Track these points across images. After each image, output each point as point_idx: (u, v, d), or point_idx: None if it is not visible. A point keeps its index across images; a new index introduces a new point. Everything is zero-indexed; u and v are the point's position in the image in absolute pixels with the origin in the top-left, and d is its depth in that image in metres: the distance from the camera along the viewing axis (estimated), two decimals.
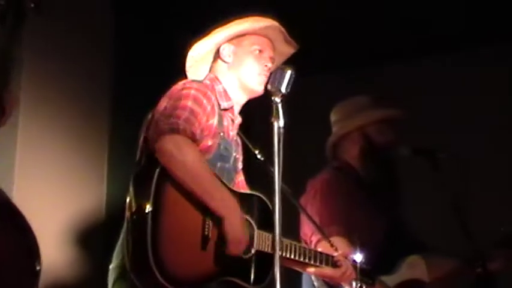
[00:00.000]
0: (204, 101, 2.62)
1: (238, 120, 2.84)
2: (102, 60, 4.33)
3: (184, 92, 2.60)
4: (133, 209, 2.44)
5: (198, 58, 2.83)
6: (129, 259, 2.42)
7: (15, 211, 2.21)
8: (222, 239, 2.50)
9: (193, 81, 2.72)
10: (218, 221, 2.49)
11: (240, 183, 2.87)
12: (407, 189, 3.62)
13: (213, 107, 2.66)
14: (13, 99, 2.29)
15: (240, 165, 2.86)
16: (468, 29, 4.60)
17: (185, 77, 2.83)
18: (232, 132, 2.79)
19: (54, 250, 3.79)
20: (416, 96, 4.69)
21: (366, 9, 4.49)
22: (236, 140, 2.86)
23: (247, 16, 2.82)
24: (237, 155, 2.83)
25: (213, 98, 2.67)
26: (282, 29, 2.81)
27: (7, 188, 3.29)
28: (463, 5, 4.42)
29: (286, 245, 2.68)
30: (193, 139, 2.51)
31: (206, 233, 2.49)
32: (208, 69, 2.84)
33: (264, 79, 2.72)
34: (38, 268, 2.18)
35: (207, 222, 2.49)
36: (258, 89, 2.74)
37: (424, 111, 4.55)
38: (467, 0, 4.39)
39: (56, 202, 3.91)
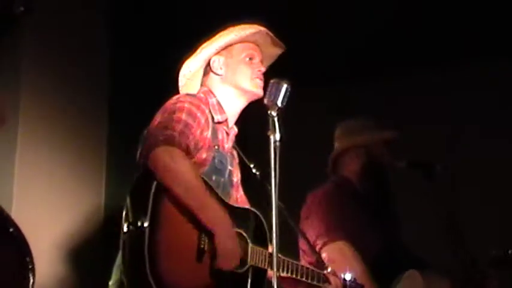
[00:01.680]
0: (198, 114, 2.61)
1: (234, 131, 2.83)
2: (100, 66, 4.33)
3: (179, 105, 2.60)
4: (131, 222, 2.42)
5: (189, 76, 2.84)
6: (127, 274, 2.42)
7: (11, 223, 2.17)
8: (213, 253, 2.47)
9: (187, 95, 2.72)
10: (210, 235, 2.47)
11: (240, 199, 2.86)
12: (404, 205, 3.66)
13: (206, 120, 2.65)
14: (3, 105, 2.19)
15: (235, 179, 2.84)
16: (455, 43, 4.60)
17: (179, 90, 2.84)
18: (228, 144, 2.78)
19: (51, 262, 3.80)
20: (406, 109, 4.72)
21: (354, 23, 4.50)
22: (232, 153, 2.84)
23: (231, 26, 2.83)
24: (232, 168, 2.81)
25: (207, 111, 2.67)
26: (269, 32, 2.82)
27: (6, 197, 3.28)
28: (447, 19, 4.45)
29: (282, 262, 2.66)
30: (187, 152, 2.50)
31: (202, 246, 2.46)
32: (199, 82, 2.84)
33: (259, 82, 2.74)
34: (31, 281, 2.17)
35: (203, 236, 2.46)
36: (257, 91, 2.74)
37: (414, 124, 4.60)
38: (453, 14, 4.40)
39: (54, 212, 3.89)
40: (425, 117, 4.70)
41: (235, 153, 2.87)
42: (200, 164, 2.61)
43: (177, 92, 2.81)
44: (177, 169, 2.43)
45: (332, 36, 4.56)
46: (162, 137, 2.47)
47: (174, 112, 2.57)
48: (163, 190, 2.42)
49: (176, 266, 2.42)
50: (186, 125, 2.55)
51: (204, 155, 2.63)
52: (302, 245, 3.30)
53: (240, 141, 2.91)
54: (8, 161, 3.66)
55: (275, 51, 2.90)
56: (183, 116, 2.56)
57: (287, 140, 2.40)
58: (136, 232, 2.38)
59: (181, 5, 4.50)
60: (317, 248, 3.14)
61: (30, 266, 2.16)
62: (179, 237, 2.46)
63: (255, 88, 2.73)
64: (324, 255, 2.99)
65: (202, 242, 2.46)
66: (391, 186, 3.58)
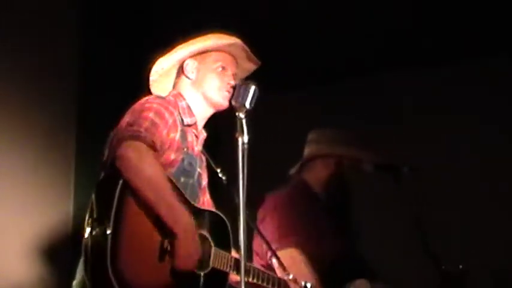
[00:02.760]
0: (166, 115, 2.61)
1: (203, 135, 2.84)
2: (67, 74, 4.29)
3: (147, 105, 2.61)
4: (94, 222, 2.42)
5: (161, 73, 2.81)
6: (88, 272, 2.41)
7: None
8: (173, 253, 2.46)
9: (156, 97, 2.73)
10: (172, 235, 2.46)
11: (206, 202, 2.86)
12: (364, 215, 3.69)
13: (174, 121, 2.64)
14: None
15: (203, 182, 2.84)
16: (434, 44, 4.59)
17: (149, 92, 2.82)
18: (197, 147, 2.78)
19: (20, 266, 3.79)
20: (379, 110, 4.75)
21: (327, 26, 4.48)
22: (201, 157, 2.83)
23: (211, 33, 2.82)
24: (201, 170, 2.81)
25: (176, 113, 2.67)
26: (245, 46, 2.82)
27: None
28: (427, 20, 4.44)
29: (247, 267, 2.62)
30: (153, 148, 2.49)
31: (165, 246, 2.45)
32: (171, 85, 2.83)
33: (227, 94, 2.71)
34: None
35: (167, 236, 2.46)
36: (223, 102, 2.73)
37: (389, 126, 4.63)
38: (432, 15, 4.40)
39: (22, 218, 3.88)
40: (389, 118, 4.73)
41: (203, 157, 2.86)
42: (168, 164, 2.61)
43: (147, 95, 2.79)
44: (142, 163, 2.43)
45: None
46: (128, 133, 2.46)
47: (142, 111, 2.57)
48: (129, 189, 2.41)
49: (138, 264, 2.41)
50: (153, 123, 2.54)
51: (172, 156, 2.63)
52: (256, 247, 3.31)
53: (212, 145, 2.91)
54: None
55: (249, 66, 2.91)
56: (150, 115, 2.56)
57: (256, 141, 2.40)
58: (99, 231, 2.38)
59: (156, 6, 4.51)
60: (268, 254, 3.12)
61: None
62: (142, 236, 2.45)
63: (221, 99, 2.74)
64: (274, 260, 2.98)
65: (166, 242, 2.45)
66: (354, 195, 3.59)
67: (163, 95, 2.78)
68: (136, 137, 2.45)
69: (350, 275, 3.29)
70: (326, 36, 4.54)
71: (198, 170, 2.76)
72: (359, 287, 3.27)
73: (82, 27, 4.34)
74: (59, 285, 3.72)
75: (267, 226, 3.28)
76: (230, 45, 2.79)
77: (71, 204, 4.13)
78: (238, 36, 2.83)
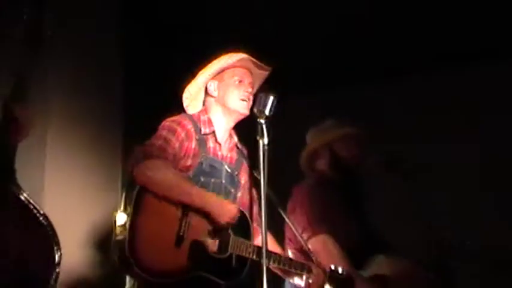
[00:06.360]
0: (178, 129, 2.84)
1: (233, 141, 3.03)
2: (115, 84, 4.50)
3: (162, 124, 2.87)
4: (119, 216, 2.64)
5: (191, 98, 3.06)
6: (115, 253, 2.63)
7: (40, 213, 2.33)
8: (199, 239, 2.66)
9: (181, 115, 2.99)
10: (203, 214, 2.67)
11: (239, 199, 3.01)
12: (377, 197, 3.73)
13: (188, 133, 2.85)
14: (28, 115, 2.33)
15: (242, 181, 3.02)
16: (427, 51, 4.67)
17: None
18: (221, 151, 2.96)
19: (77, 248, 3.92)
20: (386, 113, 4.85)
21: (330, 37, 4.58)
22: (238, 159, 3.03)
23: (224, 53, 3.04)
24: (236, 171, 2.99)
25: (190, 126, 2.87)
26: (252, 58, 3.00)
27: (38, 195, 3.42)
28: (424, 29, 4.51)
29: (268, 255, 2.77)
30: (165, 159, 2.73)
31: (181, 233, 2.64)
32: (201, 104, 3.05)
33: (246, 103, 2.90)
34: (57, 258, 2.29)
35: (184, 224, 2.66)
36: (243, 111, 2.92)
37: (390, 126, 4.69)
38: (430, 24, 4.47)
39: (78, 206, 4.04)
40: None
41: (244, 159, 3.05)
42: (186, 168, 2.82)
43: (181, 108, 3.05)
44: (157, 177, 2.66)
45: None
46: (141, 154, 2.70)
47: (159, 130, 2.84)
48: (145, 192, 2.65)
49: (154, 248, 2.61)
50: (166, 140, 2.78)
51: (188, 162, 2.83)
52: (289, 233, 3.36)
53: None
54: (38, 167, 3.81)
55: (262, 73, 3.07)
56: (164, 133, 2.81)
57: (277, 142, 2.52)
58: (122, 224, 2.62)
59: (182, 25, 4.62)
60: (301, 240, 3.15)
61: (56, 248, 2.25)
62: (159, 225, 2.65)
63: (241, 109, 2.93)
64: (293, 258, 3.03)
65: (183, 230, 2.65)
66: (360, 177, 3.62)
67: (193, 112, 3.03)
68: (148, 155, 2.69)
69: (369, 252, 3.38)
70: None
71: (227, 170, 2.94)
72: (379, 262, 3.37)
73: (123, 45, 4.52)
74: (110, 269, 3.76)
75: (298, 216, 3.33)
76: (240, 60, 2.98)
77: (119, 200, 4.25)
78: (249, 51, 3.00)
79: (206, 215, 2.67)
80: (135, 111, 4.52)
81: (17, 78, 2.32)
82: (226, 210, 2.69)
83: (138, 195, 2.61)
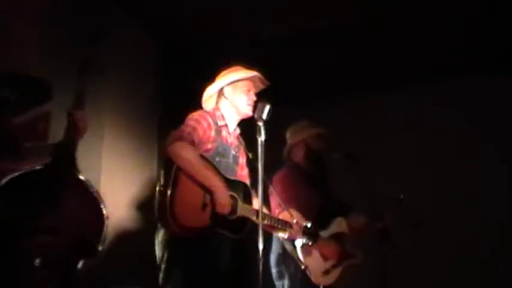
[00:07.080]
0: (202, 121, 2.91)
1: (237, 132, 3.09)
2: (153, 91, 4.35)
3: (190, 116, 2.92)
4: (161, 186, 2.59)
5: (208, 96, 3.08)
6: (157, 214, 2.63)
7: (92, 188, 2.26)
8: (213, 204, 2.73)
9: (202, 111, 2.98)
10: (211, 193, 2.72)
11: (242, 175, 3.00)
12: (335, 178, 3.62)
13: (209, 124, 2.92)
14: (83, 117, 2.27)
15: (240, 161, 3.03)
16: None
17: (201, 107, 3.02)
18: (230, 139, 3.04)
19: (126, 210, 3.82)
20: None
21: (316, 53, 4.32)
22: (238, 145, 3.07)
23: (235, 65, 3.04)
24: (237, 153, 3.04)
25: (210, 119, 2.95)
26: (261, 76, 3.08)
27: (96, 177, 3.27)
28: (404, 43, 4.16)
29: (264, 216, 2.83)
30: (192, 143, 2.78)
31: (205, 201, 2.72)
32: (214, 103, 3.08)
33: (251, 107, 2.96)
34: (105, 220, 2.22)
35: (206, 195, 2.72)
36: (248, 113, 3.00)
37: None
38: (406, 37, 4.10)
39: (127, 180, 3.90)
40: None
41: (241, 145, 3.07)
42: (207, 151, 2.87)
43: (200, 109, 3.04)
44: (183, 155, 2.69)
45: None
46: (175, 136, 2.77)
47: (188, 120, 2.89)
48: (179, 168, 2.69)
49: (187, 211, 2.63)
50: (193, 128, 2.84)
51: (209, 146, 2.90)
52: (273, 203, 3.34)
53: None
54: (97, 156, 3.63)
55: (261, 86, 3.17)
56: (191, 122, 2.87)
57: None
58: (163, 190, 2.58)
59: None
60: (277, 212, 3.13)
61: (105, 216, 2.18)
62: (190, 195, 2.65)
63: (247, 111, 3.03)
64: (281, 216, 3.03)
65: (206, 198, 2.71)
66: (327, 168, 3.55)
67: (209, 108, 3.08)
68: (181, 137, 2.75)
69: (333, 216, 3.34)
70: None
71: (233, 153, 3.00)
72: (338, 222, 3.29)
73: (161, 71, 4.47)
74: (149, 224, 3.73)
75: (274, 196, 3.24)
76: (254, 76, 3.10)
77: (155, 172, 4.18)
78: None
79: (211, 194, 2.73)
80: (167, 109, 4.39)
81: (77, 92, 2.33)
82: (223, 205, 2.64)
83: (175, 172, 2.65)
